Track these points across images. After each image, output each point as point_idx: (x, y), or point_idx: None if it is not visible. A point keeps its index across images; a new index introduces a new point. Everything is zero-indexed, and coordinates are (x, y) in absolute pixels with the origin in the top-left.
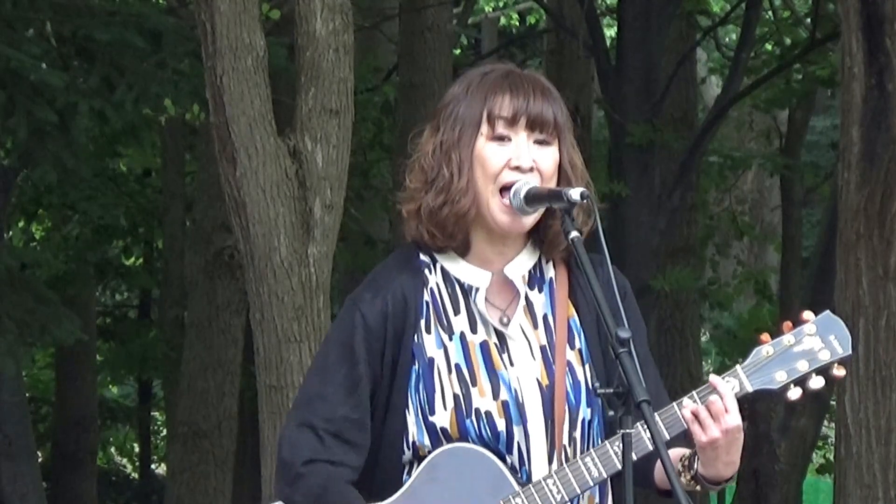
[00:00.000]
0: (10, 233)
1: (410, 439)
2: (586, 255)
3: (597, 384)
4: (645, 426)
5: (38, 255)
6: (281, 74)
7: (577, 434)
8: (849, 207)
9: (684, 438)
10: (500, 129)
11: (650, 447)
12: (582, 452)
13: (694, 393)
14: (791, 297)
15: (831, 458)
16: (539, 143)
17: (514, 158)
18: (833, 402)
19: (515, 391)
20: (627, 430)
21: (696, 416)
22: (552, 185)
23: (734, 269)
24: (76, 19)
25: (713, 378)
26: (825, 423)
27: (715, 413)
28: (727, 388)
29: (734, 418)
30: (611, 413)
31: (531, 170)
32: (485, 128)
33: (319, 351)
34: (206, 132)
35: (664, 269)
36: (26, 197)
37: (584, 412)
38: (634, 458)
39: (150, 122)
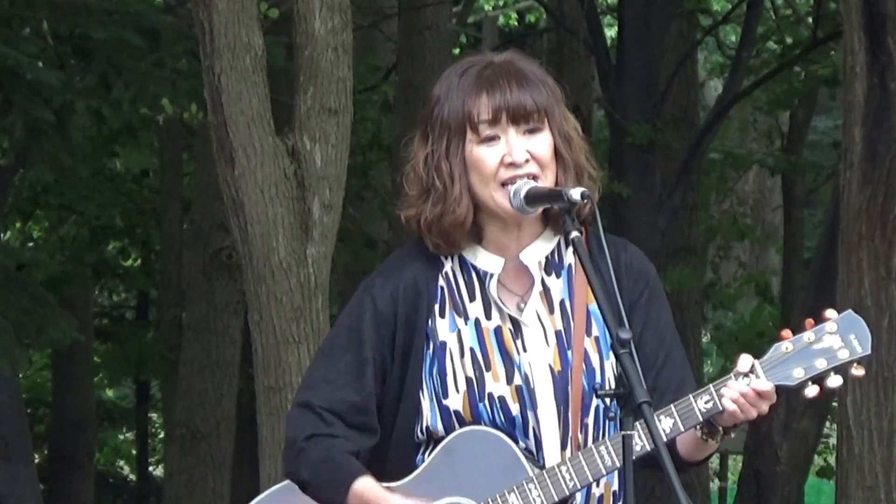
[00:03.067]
0: (8, 233)
1: (424, 424)
2: (587, 256)
3: (597, 385)
4: (664, 416)
5: (35, 256)
6: (279, 74)
7: (590, 421)
8: (851, 208)
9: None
10: (486, 130)
11: (661, 443)
12: (595, 441)
13: (710, 387)
14: (793, 298)
15: (831, 460)
16: (529, 132)
17: (507, 155)
18: (835, 404)
19: (527, 376)
20: (628, 432)
21: (743, 397)
22: (552, 169)
23: (735, 271)
24: (73, 18)
25: (747, 360)
26: (826, 424)
27: (766, 394)
28: (758, 367)
29: (773, 392)
30: (611, 414)
31: (527, 161)
32: (470, 133)
33: (328, 335)
34: (204, 132)
35: (665, 270)
36: (23, 197)
37: (597, 400)
38: (648, 448)
39: (148, 121)
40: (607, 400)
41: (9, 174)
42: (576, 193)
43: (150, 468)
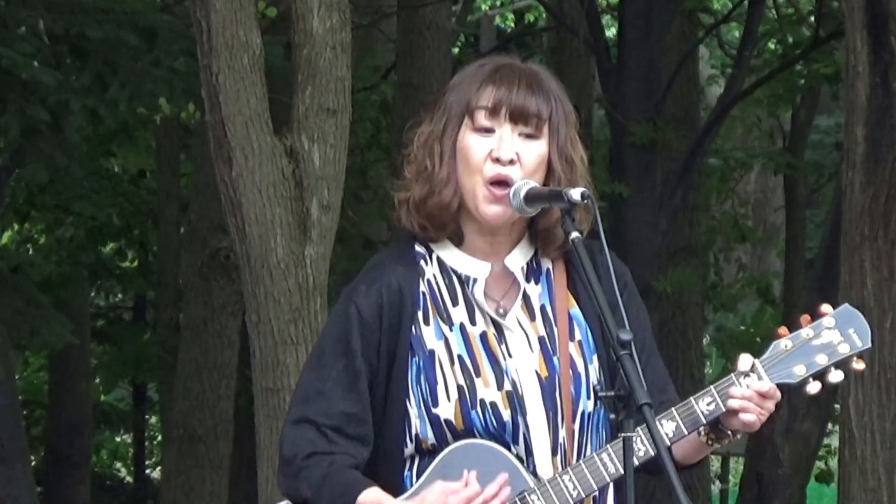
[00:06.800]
0: (7, 234)
1: (413, 432)
2: (587, 257)
3: (597, 386)
4: (662, 420)
5: (30, 257)
6: (277, 73)
7: (577, 427)
8: (853, 208)
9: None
10: (483, 120)
11: (662, 444)
12: (582, 445)
13: (712, 388)
14: (794, 299)
15: (833, 463)
16: (525, 136)
17: (495, 150)
18: (837, 406)
19: (515, 381)
20: (628, 434)
21: (749, 401)
22: (537, 179)
23: (736, 273)
24: (69, 17)
25: (747, 359)
26: (828, 426)
27: (770, 394)
28: (759, 366)
29: (777, 391)
30: (612, 416)
31: (511, 162)
32: (467, 119)
33: (315, 345)
34: (202, 132)
35: (666, 270)
36: (18, 198)
37: (585, 404)
38: (652, 454)
39: (145, 121)
40: (593, 402)
41: (4, 174)
42: (576, 194)
43: (148, 470)
